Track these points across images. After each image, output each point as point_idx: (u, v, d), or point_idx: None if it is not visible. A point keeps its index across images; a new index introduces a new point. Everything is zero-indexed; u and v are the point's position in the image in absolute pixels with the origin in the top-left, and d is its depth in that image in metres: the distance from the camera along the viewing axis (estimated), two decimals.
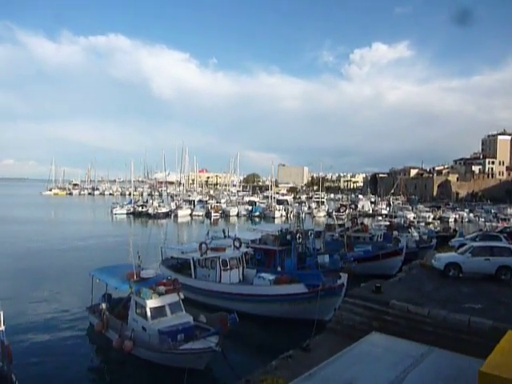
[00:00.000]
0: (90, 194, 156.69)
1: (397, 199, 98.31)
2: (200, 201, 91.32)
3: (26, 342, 15.69)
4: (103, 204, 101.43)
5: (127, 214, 75.53)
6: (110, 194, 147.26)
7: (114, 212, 75.37)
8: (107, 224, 63.98)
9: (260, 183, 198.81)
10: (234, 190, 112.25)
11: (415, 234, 39.43)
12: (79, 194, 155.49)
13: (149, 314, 14.42)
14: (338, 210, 74.41)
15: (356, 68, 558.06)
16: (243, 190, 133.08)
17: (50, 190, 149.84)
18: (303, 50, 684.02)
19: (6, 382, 10.42)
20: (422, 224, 56.86)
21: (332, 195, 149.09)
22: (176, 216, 72.85)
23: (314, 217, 78.91)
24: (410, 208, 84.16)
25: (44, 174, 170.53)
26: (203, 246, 21.80)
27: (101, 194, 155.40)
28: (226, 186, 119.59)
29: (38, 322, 18.52)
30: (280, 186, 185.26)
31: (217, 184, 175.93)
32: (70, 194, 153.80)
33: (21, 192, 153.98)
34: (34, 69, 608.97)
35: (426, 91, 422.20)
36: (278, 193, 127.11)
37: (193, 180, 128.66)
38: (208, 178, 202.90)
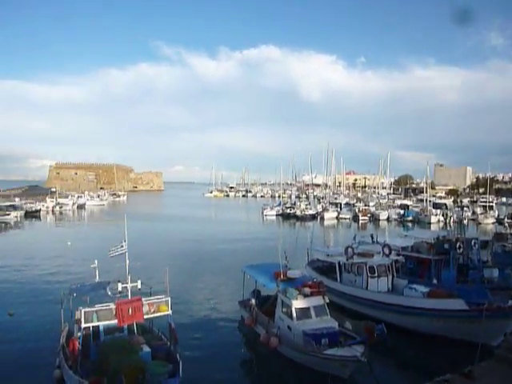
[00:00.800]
0: (243, 196, 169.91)
1: None
2: (347, 203, 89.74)
3: (187, 326, 17.65)
4: (255, 206, 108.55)
5: (276, 215, 79.11)
6: (262, 196, 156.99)
7: (264, 213, 79.84)
8: (258, 224, 68.15)
9: (413, 185, 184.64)
10: (383, 192, 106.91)
11: None
12: (234, 196, 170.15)
13: (294, 314, 14.73)
14: (511, 217, 64.07)
15: None
16: (394, 193, 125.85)
17: (211, 193, 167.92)
18: (464, 35, 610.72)
19: (172, 360, 11.93)
20: None
21: (504, 199, 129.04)
22: (322, 218, 73.12)
23: (480, 224, 69.52)
24: None
25: (206, 178, 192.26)
26: (349, 250, 21.31)
27: (253, 196, 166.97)
28: (374, 188, 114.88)
29: (197, 309, 20.81)
30: (437, 188, 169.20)
31: (365, 186, 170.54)
32: (227, 195, 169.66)
33: (187, 194, 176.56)
34: (199, 86, 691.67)
35: None
36: (434, 196, 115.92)
37: (339, 182, 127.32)
38: (355, 180, 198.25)
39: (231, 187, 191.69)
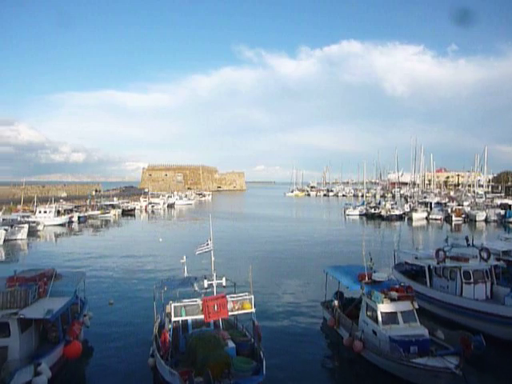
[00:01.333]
0: (325, 195, 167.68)
1: None
2: (438, 203, 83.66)
3: (269, 325, 17.85)
4: (337, 205, 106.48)
5: (359, 215, 76.68)
6: (344, 196, 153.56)
7: (346, 213, 77.91)
8: (340, 224, 66.67)
9: None
10: (480, 190, 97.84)
11: None
12: (316, 195, 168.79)
13: (380, 318, 14.15)
14: None
15: None
16: (493, 192, 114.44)
17: (292, 192, 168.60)
18: None
19: (256, 358, 12.19)
20: None
21: None
22: (410, 219, 69.17)
23: None
24: None
25: (287, 178, 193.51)
26: (441, 253, 19.91)
27: (335, 195, 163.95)
28: (469, 186, 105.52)
29: (279, 308, 20.94)
30: None
31: (458, 184, 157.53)
32: (308, 195, 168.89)
33: (269, 194, 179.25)
34: (279, 86, 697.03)
35: None
36: None
37: (429, 180, 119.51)
38: (447, 177, 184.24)
39: (312, 186, 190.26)
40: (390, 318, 14.21)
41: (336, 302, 17.45)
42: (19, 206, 64.71)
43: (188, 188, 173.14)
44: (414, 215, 70.03)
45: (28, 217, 54.84)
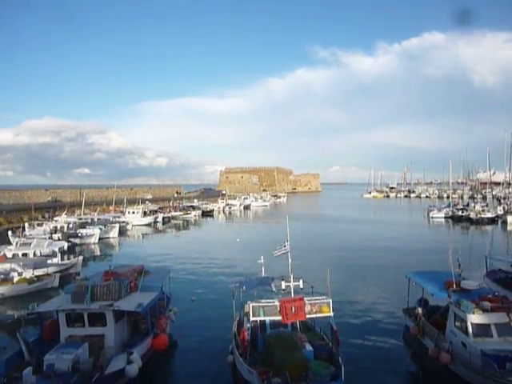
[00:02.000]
0: (406, 196, 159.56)
1: None
2: None
3: (347, 330, 17.26)
4: (419, 207, 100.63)
5: (445, 217, 71.63)
6: (427, 197, 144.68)
7: (430, 215, 73.33)
8: (423, 227, 62.93)
9: None
10: None
11: None
12: (396, 196, 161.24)
13: (470, 330, 13.08)
14: None
15: None
16: None
17: (369, 193, 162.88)
18: None
19: (334, 363, 11.96)
20: None
21: None
22: (504, 222, 62.90)
23: None
24: None
25: (363, 178, 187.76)
26: None
27: (417, 196, 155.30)
28: None
29: (357, 313, 20.33)
30: None
31: None
32: (387, 196, 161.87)
33: (344, 195, 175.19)
34: (355, 84, 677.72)
35: None
36: None
37: None
38: None
39: (392, 187, 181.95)
40: (483, 330, 13.08)
41: (420, 310, 16.46)
42: (111, 207, 70.75)
43: (263, 190, 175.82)
44: (510, 218, 63.56)
45: (118, 217, 59.72)
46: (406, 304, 18.28)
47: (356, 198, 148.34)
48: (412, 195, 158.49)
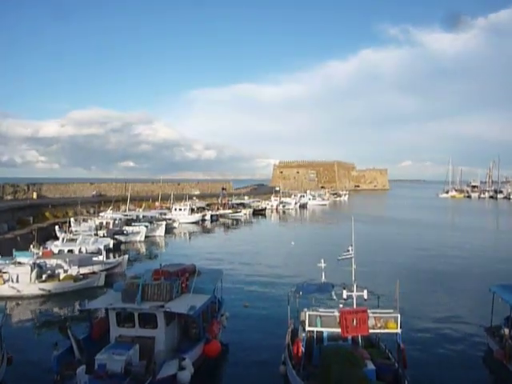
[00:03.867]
0: (491, 197, 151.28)
1: None
2: None
3: (416, 349, 16.94)
4: (508, 210, 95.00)
5: None
6: None
7: None
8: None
9: None
10: None
11: None
12: (478, 197, 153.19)
13: None
14: None
15: None
16: None
17: (447, 193, 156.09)
18: None
19: None
20: None
21: None
22: None
23: None
24: None
25: (440, 175, 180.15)
26: None
27: (505, 197, 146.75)
28: None
29: (430, 331, 19.80)
30: None
31: None
32: (469, 196, 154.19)
33: (417, 194, 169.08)
34: (431, 66, 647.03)
35: None
36: None
37: None
38: None
39: (474, 186, 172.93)
40: None
41: (507, 331, 15.80)
42: (157, 203, 73.67)
43: (321, 187, 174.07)
44: None
45: (165, 214, 62.11)
46: (490, 323, 17.58)
47: (431, 198, 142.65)
48: (499, 196, 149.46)
